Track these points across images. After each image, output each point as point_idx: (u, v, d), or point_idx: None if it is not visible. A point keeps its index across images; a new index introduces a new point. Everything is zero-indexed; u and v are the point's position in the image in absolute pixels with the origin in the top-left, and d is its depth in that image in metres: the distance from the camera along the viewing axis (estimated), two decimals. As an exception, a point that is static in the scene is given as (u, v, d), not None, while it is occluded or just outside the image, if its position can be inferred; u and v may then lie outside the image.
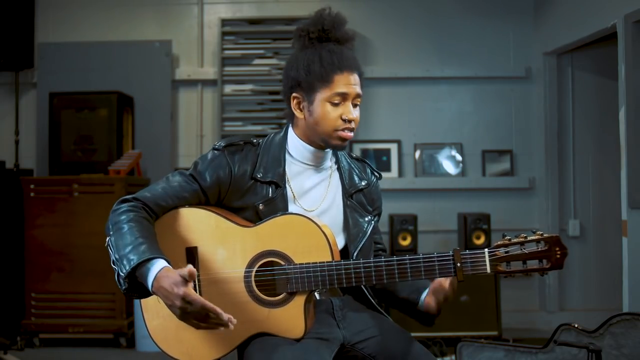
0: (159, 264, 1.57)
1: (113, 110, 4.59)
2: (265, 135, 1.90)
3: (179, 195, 1.76)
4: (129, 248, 1.60)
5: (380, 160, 4.84)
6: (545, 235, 1.62)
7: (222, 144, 1.82)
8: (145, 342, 4.19)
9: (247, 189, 1.79)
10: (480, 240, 4.33)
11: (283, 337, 1.69)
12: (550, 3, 4.71)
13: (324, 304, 1.82)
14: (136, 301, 4.20)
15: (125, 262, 1.59)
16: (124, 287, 1.64)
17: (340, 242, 1.85)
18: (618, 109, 3.78)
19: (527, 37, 4.93)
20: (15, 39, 4.73)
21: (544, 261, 1.61)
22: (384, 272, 1.67)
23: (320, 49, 1.79)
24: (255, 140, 1.86)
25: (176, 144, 4.98)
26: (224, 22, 4.91)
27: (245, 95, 4.92)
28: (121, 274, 1.61)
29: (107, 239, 1.68)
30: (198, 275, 1.73)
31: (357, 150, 4.85)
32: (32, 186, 4.31)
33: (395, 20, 4.94)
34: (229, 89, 4.92)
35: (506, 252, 1.62)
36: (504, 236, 1.65)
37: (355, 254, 1.83)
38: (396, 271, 1.67)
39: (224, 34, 4.90)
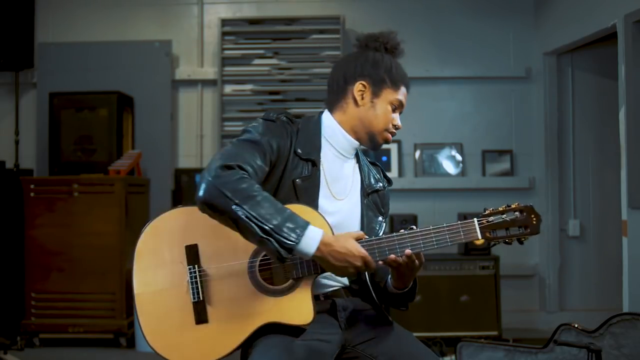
0: (318, 230, 1.63)
1: (113, 110, 4.59)
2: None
3: (262, 169, 1.73)
4: (282, 217, 1.59)
5: (380, 161, 4.84)
6: (520, 205, 1.77)
7: (275, 115, 1.83)
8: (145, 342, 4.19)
9: (289, 162, 1.79)
10: (480, 241, 4.32)
11: (291, 324, 1.67)
12: (550, 3, 4.71)
13: (326, 305, 1.82)
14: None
15: (286, 231, 1.58)
16: (286, 255, 1.60)
17: None
18: (618, 109, 3.79)
19: (527, 37, 4.93)
20: (15, 39, 4.73)
21: (523, 228, 1.75)
22: (386, 249, 1.70)
23: (390, 58, 1.89)
24: (292, 118, 1.87)
25: (176, 144, 4.98)
26: (224, 22, 4.91)
27: (245, 95, 4.92)
28: (287, 241, 1.57)
29: (233, 207, 1.57)
30: (201, 271, 1.72)
31: (357, 150, 4.85)
32: (32, 186, 4.31)
33: (395, 19, 4.93)
34: (229, 89, 4.92)
35: (491, 221, 1.76)
36: (485, 210, 1.77)
37: None
38: (397, 246, 1.70)
39: (224, 34, 4.89)
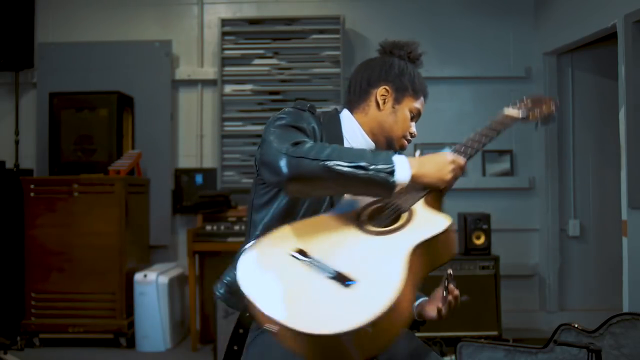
0: (402, 156, 1.66)
1: (113, 110, 4.59)
2: None
3: None
4: (368, 154, 1.61)
5: (380, 160, 4.84)
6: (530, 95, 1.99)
7: (304, 106, 1.86)
8: (145, 342, 4.19)
9: None
10: (480, 241, 4.33)
11: (436, 234, 1.59)
12: (550, 3, 4.71)
13: None
14: (140, 303, 4.21)
15: (381, 161, 1.59)
16: (393, 181, 1.59)
17: None
18: (618, 109, 3.79)
19: (527, 37, 4.93)
20: (15, 39, 4.74)
21: (545, 105, 1.98)
22: (463, 147, 1.79)
23: (413, 67, 1.95)
24: (315, 111, 1.89)
25: (176, 144, 4.98)
26: (224, 22, 4.91)
27: (245, 95, 4.92)
28: (387, 169, 1.58)
29: (322, 163, 1.57)
30: (318, 257, 1.58)
31: (357, 150, 4.85)
32: (32, 186, 4.31)
33: (394, 19, 4.94)
34: (229, 89, 4.92)
35: (516, 105, 2.04)
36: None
37: None
38: (469, 146, 1.81)
39: (224, 34, 4.89)
